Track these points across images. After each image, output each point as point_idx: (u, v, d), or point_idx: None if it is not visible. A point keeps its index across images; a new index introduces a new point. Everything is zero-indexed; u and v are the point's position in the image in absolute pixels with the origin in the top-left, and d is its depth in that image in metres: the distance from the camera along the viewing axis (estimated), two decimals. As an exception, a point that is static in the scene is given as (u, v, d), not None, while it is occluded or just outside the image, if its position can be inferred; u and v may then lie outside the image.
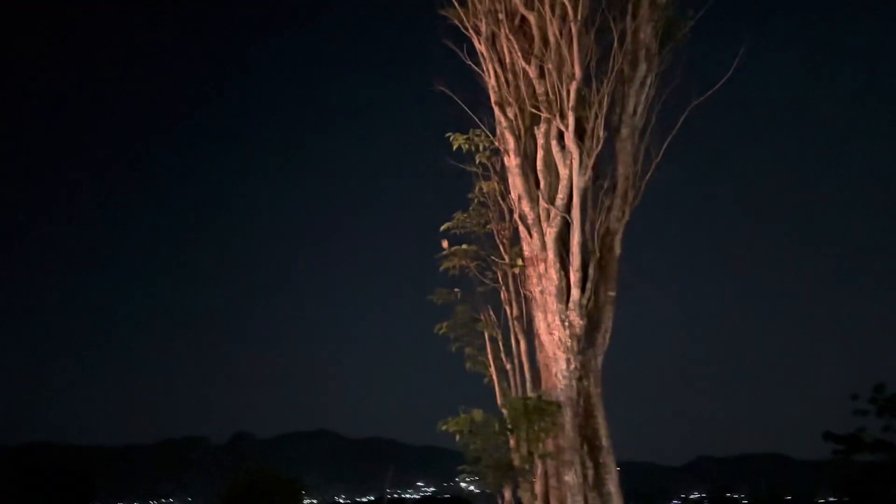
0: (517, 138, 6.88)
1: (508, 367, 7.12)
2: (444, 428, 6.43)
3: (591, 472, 6.46)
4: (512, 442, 6.50)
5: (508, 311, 7.27)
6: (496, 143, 7.11)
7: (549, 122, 6.65)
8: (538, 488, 6.40)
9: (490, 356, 7.22)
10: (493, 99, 7.07)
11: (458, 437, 6.43)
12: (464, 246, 7.40)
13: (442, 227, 7.45)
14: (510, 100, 6.93)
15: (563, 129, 6.55)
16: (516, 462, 6.40)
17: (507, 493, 6.62)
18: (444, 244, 7.41)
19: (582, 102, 6.69)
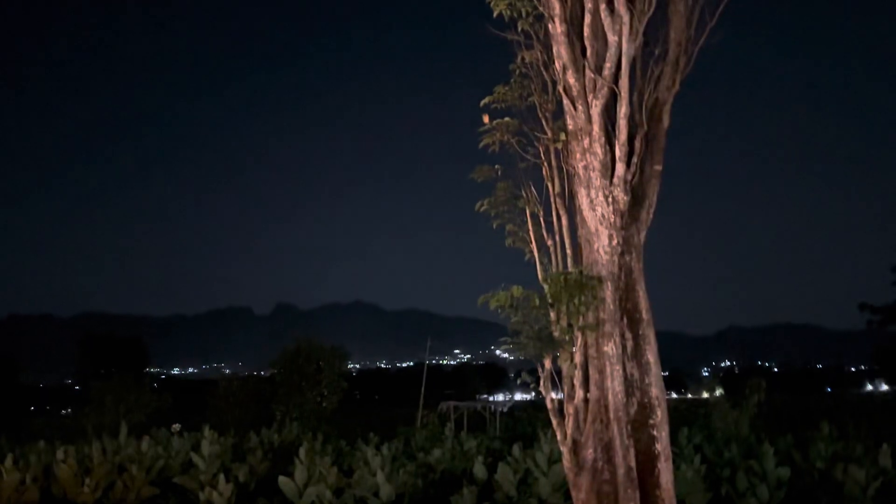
0: (563, 2, 6.47)
1: (549, 243, 7.09)
2: (486, 302, 6.52)
3: (630, 343, 6.57)
4: (552, 315, 6.58)
5: (550, 187, 7.14)
6: (540, 9, 6.70)
7: (597, -17, 6.22)
8: (578, 358, 6.55)
9: (531, 232, 7.18)
10: (537, -41, 6.61)
11: (500, 312, 6.54)
12: (505, 119, 7.17)
13: (482, 102, 7.18)
14: (555, -40, 6.46)
15: (612, -10, 6.13)
16: (556, 334, 6.51)
17: (547, 363, 6.79)
18: (486, 119, 7.19)
19: (633, -39, 6.22)
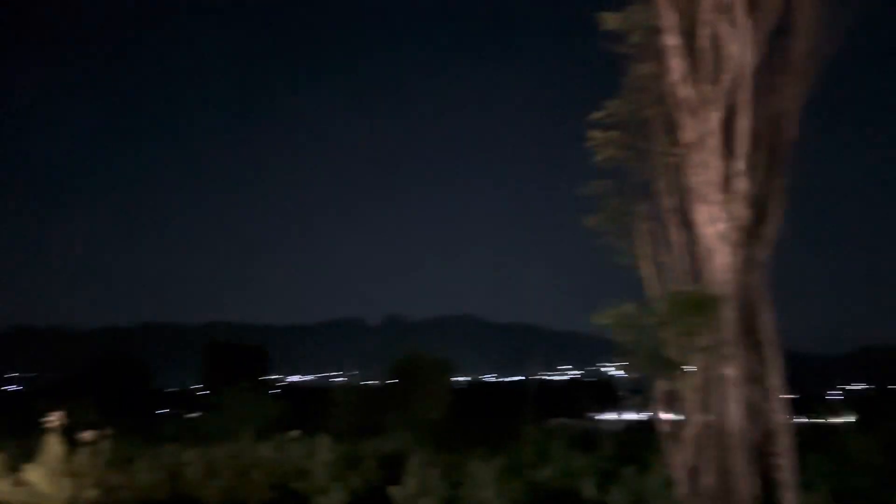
0: (678, 14, 6.33)
1: (663, 260, 6.90)
2: (597, 320, 6.43)
3: (752, 366, 6.29)
4: (667, 335, 6.39)
5: (663, 203, 6.96)
6: (653, 22, 6.58)
7: (715, -7, 6.04)
8: (695, 380, 6.33)
9: (644, 249, 7.01)
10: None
11: (611, 330, 6.42)
12: (615, 133, 7.07)
13: (593, 116, 7.12)
14: (670, -29, 6.34)
15: (731, 2, 5.94)
16: (671, 355, 6.32)
17: (662, 384, 6.60)
18: (596, 134, 7.12)
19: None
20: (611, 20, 6.91)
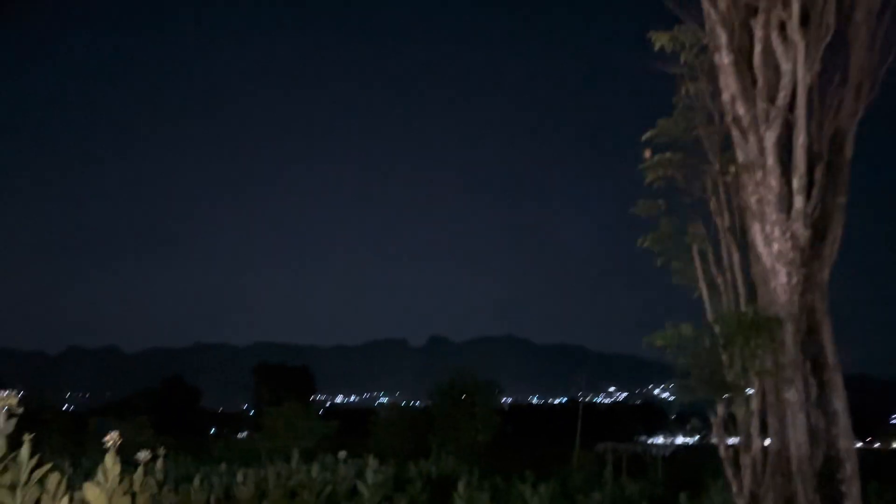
0: (730, 32, 6.25)
1: (720, 280, 6.77)
2: (652, 342, 6.33)
3: (814, 390, 6.09)
4: (725, 357, 6.26)
5: (719, 222, 6.84)
6: (705, 40, 6.52)
7: (768, 11, 5.95)
8: (754, 405, 6.17)
9: (699, 270, 6.89)
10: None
11: (667, 352, 6.31)
12: (667, 154, 7.00)
13: (644, 136, 7.06)
14: (721, -10, 6.28)
15: (784, 18, 5.85)
16: (730, 378, 6.17)
17: (720, 408, 6.45)
18: (647, 154, 7.06)
19: (808, -16, 5.91)
20: (661, 40, 6.88)
